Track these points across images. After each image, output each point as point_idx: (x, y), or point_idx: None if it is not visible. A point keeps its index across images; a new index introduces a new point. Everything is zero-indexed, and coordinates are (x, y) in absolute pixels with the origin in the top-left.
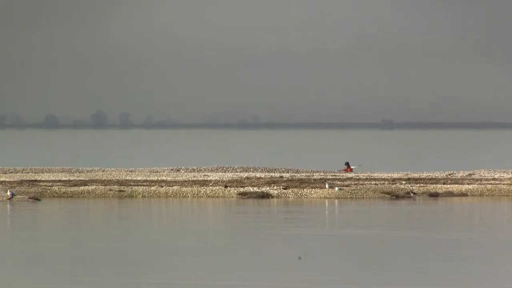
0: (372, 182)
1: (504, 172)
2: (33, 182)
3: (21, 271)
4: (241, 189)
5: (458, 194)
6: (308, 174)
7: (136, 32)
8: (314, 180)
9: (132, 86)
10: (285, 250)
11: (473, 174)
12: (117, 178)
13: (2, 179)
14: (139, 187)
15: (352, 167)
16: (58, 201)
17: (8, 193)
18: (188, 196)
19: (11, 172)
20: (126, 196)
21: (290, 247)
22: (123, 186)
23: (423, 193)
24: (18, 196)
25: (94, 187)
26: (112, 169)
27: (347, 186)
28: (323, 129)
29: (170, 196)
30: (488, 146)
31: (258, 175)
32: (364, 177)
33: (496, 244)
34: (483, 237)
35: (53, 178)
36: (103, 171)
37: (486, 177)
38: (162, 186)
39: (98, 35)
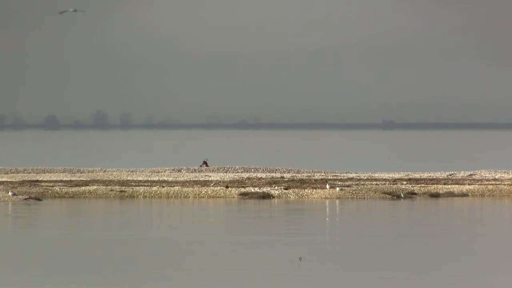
0: (373, 183)
1: (505, 172)
2: (35, 182)
3: (21, 274)
4: (242, 190)
5: (459, 195)
6: (309, 174)
7: (136, 33)
8: (315, 180)
9: (133, 86)
10: (286, 251)
11: (474, 175)
12: (118, 178)
13: (3, 180)
14: (140, 187)
15: (205, 162)
16: (59, 201)
17: (10, 193)
18: (189, 197)
19: (13, 173)
20: (127, 197)
21: (291, 248)
22: (124, 187)
23: (424, 193)
24: (20, 197)
25: (95, 187)
26: (113, 169)
27: (348, 186)
28: (324, 129)
29: (172, 196)
30: (489, 147)
31: (259, 175)
32: (365, 178)
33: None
34: (482, 242)
35: (55, 179)
36: (104, 171)
37: (487, 178)
38: (164, 187)
39: (98, 35)
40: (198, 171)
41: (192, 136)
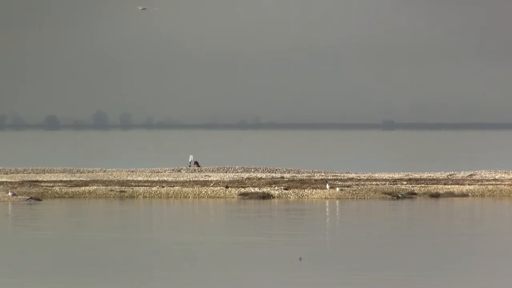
0: (373, 183)
1: (505, 172)
2: (34, 182)
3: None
4: (242, 190)
5: (459, 195)
6: (309, 174)
7: (136, 33)
8: (315, 180)
9: (133, 86)
10: (286, 251)
11: (474, 175)
12: (118, 178)
13: (3, 180)
14: (140, 187)
15: (196, 162)
16: (59, 201)
17: (10, 193)
18: (189, 197)
19: (13, 173)
20: (127, 197)
21: (291, 248)
22: (124, 187)
23: (424, 193)
24: (19, 197)
25: (95, 187)
26: (113, 169)
27: (348, 186)
28: (324, 129)
29: (171, 196)
30: (489, 147)
31: (259, 175)
32: (365, 178)
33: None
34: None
35: (54, 179)
36: (104, 171)
37: (487, 178)
38: (163, 187)
39: (98, 35)
40: (198, 171)
41: (192, 136)
